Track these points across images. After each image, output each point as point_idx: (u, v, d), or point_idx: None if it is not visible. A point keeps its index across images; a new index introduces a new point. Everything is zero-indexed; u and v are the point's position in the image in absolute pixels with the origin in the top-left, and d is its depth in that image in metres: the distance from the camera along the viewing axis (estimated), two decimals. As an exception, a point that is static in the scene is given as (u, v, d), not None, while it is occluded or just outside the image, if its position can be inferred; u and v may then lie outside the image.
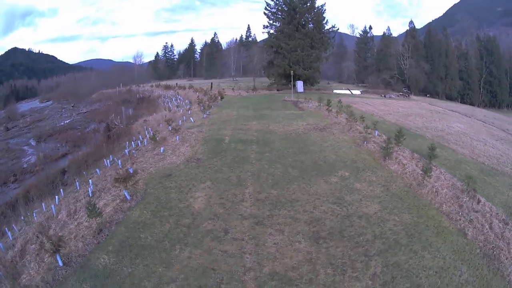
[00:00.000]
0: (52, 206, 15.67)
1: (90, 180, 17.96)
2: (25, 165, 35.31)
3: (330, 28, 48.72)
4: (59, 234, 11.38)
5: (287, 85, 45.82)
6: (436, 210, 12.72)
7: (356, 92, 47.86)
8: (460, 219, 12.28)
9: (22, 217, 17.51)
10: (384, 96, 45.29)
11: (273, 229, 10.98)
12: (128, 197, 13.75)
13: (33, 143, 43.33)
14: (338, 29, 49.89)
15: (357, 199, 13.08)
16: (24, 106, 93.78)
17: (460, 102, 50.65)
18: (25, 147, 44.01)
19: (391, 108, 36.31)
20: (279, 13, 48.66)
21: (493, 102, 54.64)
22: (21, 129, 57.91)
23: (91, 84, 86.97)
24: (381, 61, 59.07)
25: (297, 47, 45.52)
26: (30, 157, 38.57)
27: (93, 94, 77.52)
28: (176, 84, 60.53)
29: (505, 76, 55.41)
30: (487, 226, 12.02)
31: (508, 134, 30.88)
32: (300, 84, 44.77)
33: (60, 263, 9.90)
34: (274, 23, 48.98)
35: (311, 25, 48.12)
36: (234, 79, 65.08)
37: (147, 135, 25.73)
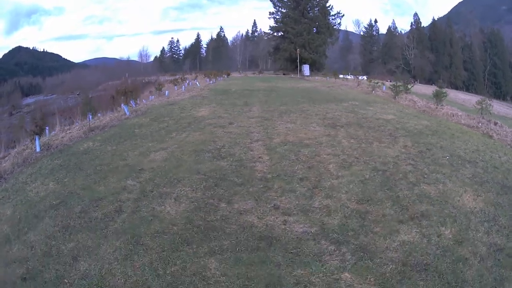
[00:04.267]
0: (46, 128, 15.18)
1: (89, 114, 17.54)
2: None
3: (335, 14, 49.04)
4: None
5: (293, 70, 45.66)
6: (455, 123, 12.18)
7: (363, 78, 47.66)
8: (481, 127, 11.77)
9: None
10: (390, 81, 45.07)
11: (283, 121, 10.36)
12: (128, 113, 13.31)
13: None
14: (343, 15, 50.18)
15: (371, 112, 12.52)
16: (29, 100, 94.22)
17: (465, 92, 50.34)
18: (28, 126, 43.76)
19: (398, 85, 36.14)
20: (285, -1, 49.10)
21: (498, 93, 54.25)
22: (24, 114, 57.97)
23: (96, 78, 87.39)
24: (387, 54, 59.20)
25: (303, 31, 45.70)
26: (32, 130, 38.24)
27: (98, 86, 77.88)
28: (183, 74, 60.77)
29: (509, 68, 55.29)
30: (510, 135, 11.46)
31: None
32: (306, 68, 44.60)
33: (38, 148, 9.11)
34: (280, 9, 49.35)
35: (317, 10, 48.44)
36: (241, 72, 65.35)
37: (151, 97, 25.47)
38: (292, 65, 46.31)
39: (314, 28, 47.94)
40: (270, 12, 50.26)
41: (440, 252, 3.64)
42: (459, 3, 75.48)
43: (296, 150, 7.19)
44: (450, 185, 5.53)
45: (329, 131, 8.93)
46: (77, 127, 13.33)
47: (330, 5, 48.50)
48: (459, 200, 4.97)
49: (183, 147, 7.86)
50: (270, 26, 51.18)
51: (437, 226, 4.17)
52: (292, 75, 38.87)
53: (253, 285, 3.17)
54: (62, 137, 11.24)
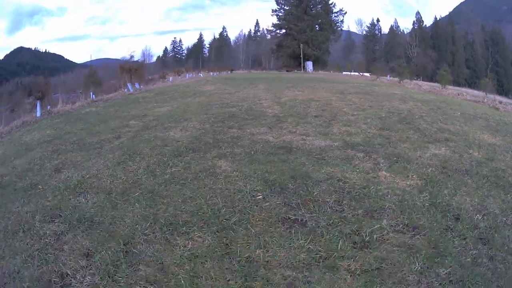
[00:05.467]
0: (48, 106, 15.19)
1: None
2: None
3: (338, 12, 49.25)
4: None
5: (296, 67, 45.55)
6: (461, 100, 12.14)
7: (366, 74, 47.65)
8: (487, 102, 11.75)
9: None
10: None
11: (290, 91, 10.31)
12: (131, 90, 13.32)
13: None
14: (346, 12, 50.43)
15: (377, 89, 12.48)
16: (31, 99, 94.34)
17: (469, 91, 50.19)
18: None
19: (400, 80, 36.16)
20: (288, -4, 49.18)
21: (500, 91, 53.87)
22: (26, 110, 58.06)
23: (99, 77, 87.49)
24: (389, 53, 59.10)
25: (306, 28, 45.80)
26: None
27: (102, 84, 77.87)
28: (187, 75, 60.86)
29: (511, 66, 55.21)
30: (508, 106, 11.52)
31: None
32: (310, 64, 44.48)
33: (38, 113, 9.02)
34: (283, 7, 49.54)
35: (319, 7, 48.62)
36: (244, 69, 65.33)
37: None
38: (295, 62, 46.26)
39: (317, 25, 48.08)
40: (273, 10, 50.50)
41: (475, 164, 3.51)
42: (460, 3, 75.63)
43: (306, 103, 7.13)
44: (466, 128, 5.46)
45: (338, 95, 8.87)
46: (80, 102, 13.32)
47: (332, 3, 48.72)
48: (479, 136, 4.89)
49: (189, 104, 7.84)
50: (273, 23, 51.39)
51: (464, 148, 4.06)
52: (296, 71, 38.85)
53: (274, 176, 2.89)
54: (64, 107, 11.23)
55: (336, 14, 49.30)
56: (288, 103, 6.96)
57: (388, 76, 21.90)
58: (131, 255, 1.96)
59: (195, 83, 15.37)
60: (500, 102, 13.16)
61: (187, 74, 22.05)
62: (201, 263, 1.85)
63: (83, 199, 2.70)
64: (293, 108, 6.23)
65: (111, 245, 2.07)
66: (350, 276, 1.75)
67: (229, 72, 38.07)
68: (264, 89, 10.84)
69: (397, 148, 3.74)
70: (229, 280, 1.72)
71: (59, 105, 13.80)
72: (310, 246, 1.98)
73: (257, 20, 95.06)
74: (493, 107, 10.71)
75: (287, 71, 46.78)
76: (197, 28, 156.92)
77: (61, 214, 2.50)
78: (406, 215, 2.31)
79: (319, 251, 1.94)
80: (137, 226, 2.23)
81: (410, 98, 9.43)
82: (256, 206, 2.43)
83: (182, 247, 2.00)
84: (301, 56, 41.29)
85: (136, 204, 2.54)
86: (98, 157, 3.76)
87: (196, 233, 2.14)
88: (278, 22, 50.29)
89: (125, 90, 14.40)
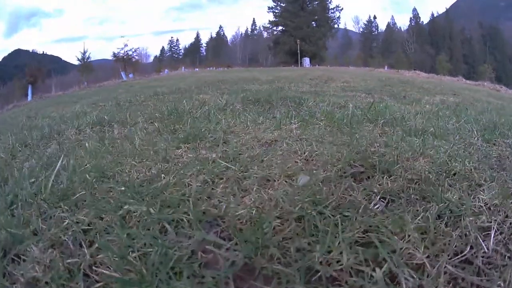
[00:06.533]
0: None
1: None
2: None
3: (334, 8, 49.19)
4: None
5: (294, 64, 45.42)
6: (461, 83, 11.99)
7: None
8: (487, 86, 11.64)
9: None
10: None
11: (285, 72, 10.16)
12: (125, 78, 13.13)
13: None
14: (342, 9, 50.15)
15: (375, 74, 12.33)
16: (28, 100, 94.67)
17: (467, 86, 50.02)
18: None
19: (398, 74, 36.20)
20: (284, -7, 49.05)
21: (499, 87, 54.03)
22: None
23: (96, 76, 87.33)
24: (387, 49, 59.02)
25: (303, 24, 45.71)
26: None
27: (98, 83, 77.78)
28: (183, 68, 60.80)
29: (509, 62, 55.16)
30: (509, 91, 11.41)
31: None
32: (307, 60, 44.28)
33: (30, 97, 8.99)
34: (279, 3, 49.45)
35: (316, 4, 48.56)
36: (241, 67, 65.09)
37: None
38: (292, 58, 46.05)
39: (314, 22, 48.04)
40: (269, 7, 50.40)
41: (490, 108, 3.30)
42: (458, 0, 75.74)
43: (302, 76, 7.01)
44: (469, 93, 5.28)
45: (335, 73, 8.70)
46: (72, 89, 13.13)
47: (329, -1, 48.69)
48: (485, 98, 4.70)
49: (183, 81, 7.68)
50: (269, 21, 51.30)
51: (473, 101, 3.88)
52: (293, 66, 38.68)
53: (258, 97, 2.70)
54: (56, 93, 11.07)
55: (332, 11, 49.32)
56: (282, 76, 6.79)
57: (386, 67, 21.75)
58: (48, 139, 1.79)
59: (191, 73, 15.25)
60: (501, 87, 13.02)
61: (183, 68, 21.85)
62: (131, 141, 1.61)
63: (36, 121, 2.71)
64: (287, 77, 6.06)
65: (34, 134, 1.96)
66: (373, 123, 1.52)
67: (225, 68, 38.07)
68: (260, 72, 10.72)
69: (400, 94, 3.54)
70: (164, 142, 1.47)
71: (53, 92, 13.65)
72: (301, 118, 1.75)
73: (253, 18, 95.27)
74: (494, 89, 10.57)
75: (284, 67, 46.66)
76: (194, 28, 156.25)
77: (4, 132, 2.41)
78: (431, 117, 2.07)
79: (318, 122, 1.70)
80: (75, 124, 2.04)
81: (409, 79, 9.29)
82: (231, 112, 2.19)
83: (116, 133, 1.78)
84: (298, 52, 41.07)
85: (88, 116, 2.37)
86: (72, 107, 3.67)
87: (144, 124, 1.92)
88: (274, 19, 50.26)
89: (119, 80, 14.26)
